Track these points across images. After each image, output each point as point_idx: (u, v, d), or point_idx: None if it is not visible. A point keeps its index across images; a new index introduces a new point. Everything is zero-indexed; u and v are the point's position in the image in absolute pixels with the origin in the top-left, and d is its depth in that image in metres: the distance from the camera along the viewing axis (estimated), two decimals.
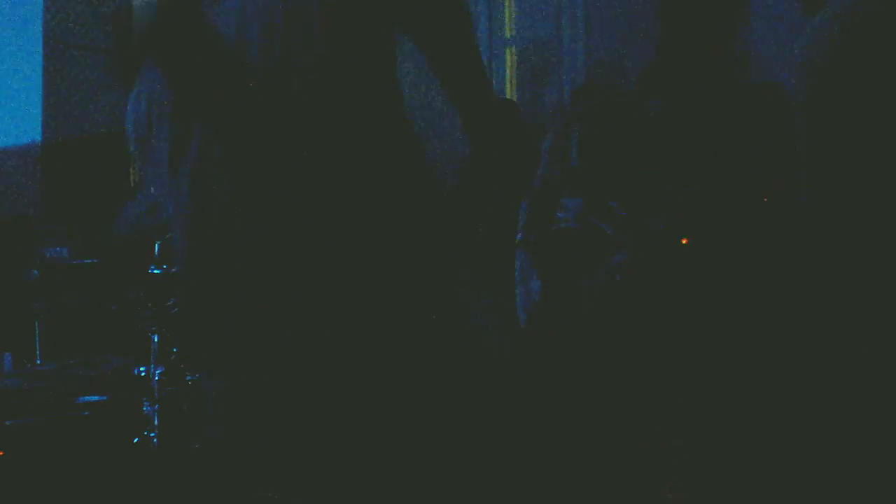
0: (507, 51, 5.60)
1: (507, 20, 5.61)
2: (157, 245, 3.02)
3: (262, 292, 1.30)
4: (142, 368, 2.95)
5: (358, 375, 1.26)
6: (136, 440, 2.85)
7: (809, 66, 1.56)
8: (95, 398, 2.94)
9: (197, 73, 1.35)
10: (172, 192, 1.41)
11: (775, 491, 1.87)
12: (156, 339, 2.95)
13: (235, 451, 1.33)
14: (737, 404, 2.05)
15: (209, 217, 1.36)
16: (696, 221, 2.25)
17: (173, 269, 3.12)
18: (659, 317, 2.20)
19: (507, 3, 5.59)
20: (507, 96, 5.52)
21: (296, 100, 1.31)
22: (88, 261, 4.02)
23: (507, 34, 5.61)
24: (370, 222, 1.31)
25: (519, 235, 2.56)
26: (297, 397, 1.27)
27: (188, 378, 3.05)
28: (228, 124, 1.34)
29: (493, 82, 5.71)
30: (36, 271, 3.63)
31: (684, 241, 2.33)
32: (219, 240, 1.35)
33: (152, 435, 2.85)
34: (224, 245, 1.34)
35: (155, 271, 3.04)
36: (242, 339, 1.32)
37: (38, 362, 3.52)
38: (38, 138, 4.56)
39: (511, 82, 5.63)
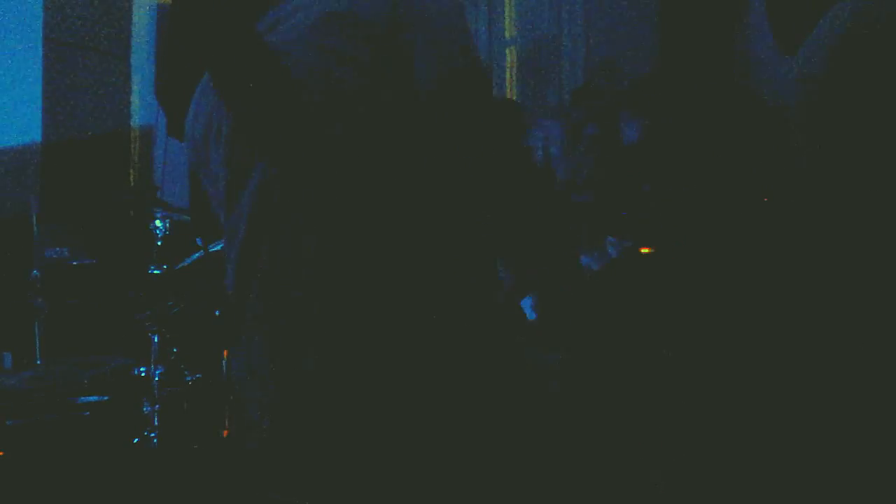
0: (507, 51, 5.61)
1: (507, 20, 5.61)
2: (158, 222, 3.02)
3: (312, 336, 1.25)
4: (142, 368, 2.96)
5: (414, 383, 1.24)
6: (136, 440, 2.85)
7: (809, 76, 1.56)
8: (95, 398, 2.95)
9: (257, 103, 1.21)
10: (229, 223, 1.34)
11: (763, 487, 1.88)
12: (156, 340, 2.96)
13: (275, 453, 1.29)
14: (732, 403, 2.05)
15: (261, 262, 1.29)
16: (673, 228, 2.26)
17: (173, 269, 3.13)
18: (648, 316, 2.21)
19: (507, 3, 5.59)
20: (507, 96, 5.52)
21: (358, 150, 1.22)
22: (88, 261, 4.02)
23: (507, 34, 5.61)
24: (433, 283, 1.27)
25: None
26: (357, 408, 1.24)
27: (188, 378, 3.06)
28: (290, 170, 1.25)
29: (493, 82, 5.71)
30: (36, 271, 3.63)
31: (646, 250, 2.34)
32: (266, 283, 1.28)
33: (152, 435, 2.86)
34: (271, 292, 1.28)
35: (155, 271, 3.05)
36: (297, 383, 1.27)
37: (38, 362, 3.52)
38: (38, 138, 4.56)
39: (511, 82, 5.63)
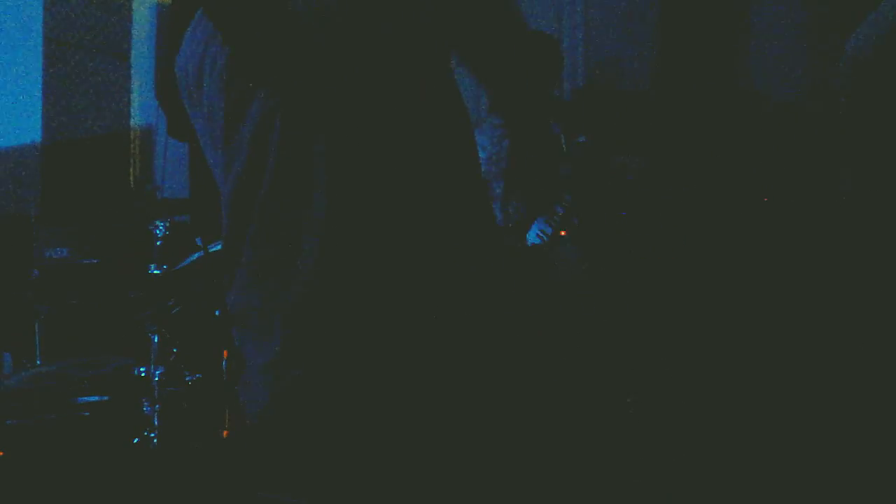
0: None
1: None
2: (161, 225, 3.02)
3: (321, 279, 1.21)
4: (142, 368, 2.96)
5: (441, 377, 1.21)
6: (136, 440, 2.85)
7: (860, 57, 1.54)
8: (95, 398, 2.95)
9: (255, 34, 1.20)
10: (227, 153, 1.31)
11: (770, 492, 1.88)
12: (156, 340, 2.96)
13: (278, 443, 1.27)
14: (734, 405, 2.05)
15: (263, 195, 1.26)
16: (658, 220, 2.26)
17: (173, 269, 3.13)
18: (647, 321, 2.21)
19: None
20: None
21: (366, 76, 1.20)
22: (88, 261, 4.02)
23: None
24: (436, 210, 1.24)
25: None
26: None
27: (188, 378, 3.06)
28: (290, 98, 1.22)
29: None
30: (36, 271, 3.63)
31: (563, 233, 2.36)
32: (267, 218, 1.26)
33: (152, 435, 2.85)
34: (273, 225, 1.25)
35: (155, 271, 3.04)
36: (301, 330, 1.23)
37: (38, 362, 3.52)
38: (38, 138, 4.56)
39: None
